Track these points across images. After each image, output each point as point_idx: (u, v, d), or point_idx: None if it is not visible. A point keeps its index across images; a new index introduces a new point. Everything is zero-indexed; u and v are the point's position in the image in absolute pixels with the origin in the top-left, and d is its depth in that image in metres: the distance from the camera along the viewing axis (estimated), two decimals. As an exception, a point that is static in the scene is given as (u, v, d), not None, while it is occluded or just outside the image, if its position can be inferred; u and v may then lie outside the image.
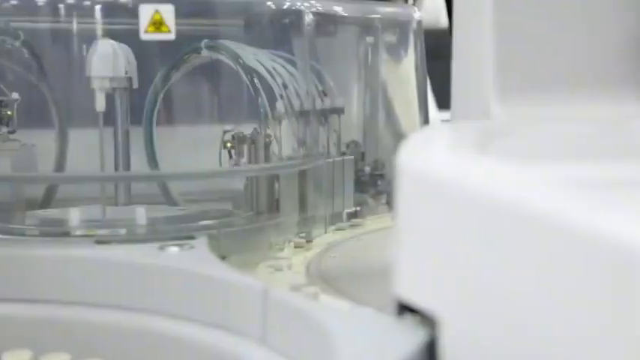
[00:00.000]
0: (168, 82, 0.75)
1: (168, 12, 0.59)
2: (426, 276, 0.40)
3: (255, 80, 0.70)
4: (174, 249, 0.58)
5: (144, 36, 0.61)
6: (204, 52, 0.71)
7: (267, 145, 0.71)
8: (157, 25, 0.60)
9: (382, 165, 0.86)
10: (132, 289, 0.55)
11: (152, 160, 0.76)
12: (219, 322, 0.51)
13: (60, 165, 0.79)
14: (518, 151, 0.46)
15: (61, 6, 0.70)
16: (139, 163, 0.74)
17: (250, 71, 0.70)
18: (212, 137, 0.79)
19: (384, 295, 0.59)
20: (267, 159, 0.71)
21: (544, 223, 0.35)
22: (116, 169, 0.71)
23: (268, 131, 0.71)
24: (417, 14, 0.84)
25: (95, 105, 0.70)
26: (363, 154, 0.85)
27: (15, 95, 0.72)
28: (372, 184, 0.85)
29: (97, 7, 0.66)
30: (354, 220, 0.78)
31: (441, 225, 0.39)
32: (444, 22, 1.25)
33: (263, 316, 0.49)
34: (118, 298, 0.55)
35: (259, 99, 0.70)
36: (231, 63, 0.70)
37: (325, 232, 0.74)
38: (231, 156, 0.71)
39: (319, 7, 0.72)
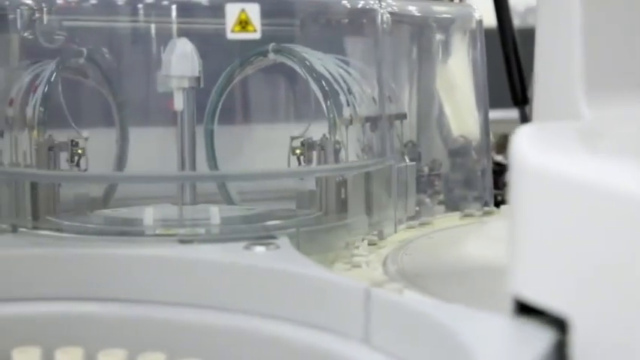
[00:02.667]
0: (232, 82, 0.75)
1: (253, 11, 0.59)
2: (555, 276, 0.40)
3: (324, 84, 0.70)
4: (260, 249, 0.58)
5: (230, 35, 0.61)
6: (271, 56, 0.71)
7: (336, 152, 0.71)
8: (243, 24, 0.60)
9: (439, 165, 0.86)
10: (224, 289, 0.55)
11: (211, 159, 0.76)
12: (317, 322, 0.51)
13: (120, 164, 0.79)
14: (628, 151, 0.46)
15: (125, 5, 0.70)
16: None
17: (318, 77, 0.70)
18: (273, 138, 0.79)
19: (466, 292, 0.59)
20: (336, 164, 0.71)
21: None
22: (182, 168, 0.71)
23: (337, 137, 0.71)
24: (477, 14, 0.84)
25: (159, 103, 0.70)
26: (419, 155, 0.85)
27: (85, 134, 0.71)
28: (430, 184, 0.85)
29: (173, 7, 0.66)
30: (424, 219, 0.78)
31: (573, 224, 0.39)
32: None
33: (366, 316, 0.49)
34: (209, 298, 0.55)
35: (328, 104, 0.70)
36: (298, 69, 0.70)
37: (395, 232, 0.74)
38: (300, 162, 0.71)
39: (394, 7, 0.72)
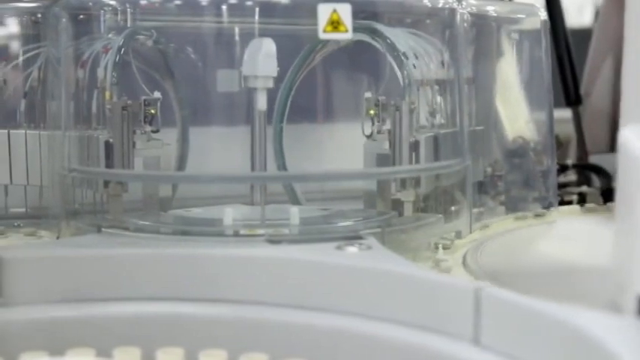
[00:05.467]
0: (299, 78, 0.75)
1: (345, 11, 0.59)
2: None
3: (397, 51, 0.69)
4: (352, 249, 0.58)
5: (322, 35, 0.60)
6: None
7: (411, 112, 0.70)
8: (335, 24, 0.59)
9: (501, 166, 0.86)
10: (323, 290, 0.54)
11: (280, 159, 0.76)
12: (422, 322, 0.51)
13: (181, 164, 0.79)
14: None
15: (196, 5, 0.70)
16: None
17: (388, 45, 0.69)
18: (342, 136, 0.79)
19: (552, 291, 0.59)
20: (410, 127, 0.70)
21: None
22: (257, 168, 0.71)
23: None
24: (542, 13, 0.84)
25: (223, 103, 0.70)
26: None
27: (157, 94, 0.71)
28: (493, 185, 0.85)
29: (256, 9, 0.66)
30: (497, 218, 0.79)
31: None
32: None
33: (476, 316, 0.49)
34: (308, 298, 0.55)
35: (401, 67, 0.70)
36: (366, 38, 0.70)
37: (471, 232, 0.74)
38: (373, 122, 0.71)
39: (473, 7, 0.72)
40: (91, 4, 0.67)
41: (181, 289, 0.56)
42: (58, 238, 0.70)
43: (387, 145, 0.70)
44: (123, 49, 0.70)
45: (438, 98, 0.74)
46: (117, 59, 0.69)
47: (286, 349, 0.53)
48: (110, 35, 0.68)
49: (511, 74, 0.90)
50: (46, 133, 0.75)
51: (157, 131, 0.71)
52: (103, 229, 0.66)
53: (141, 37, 0.73)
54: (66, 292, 0.56)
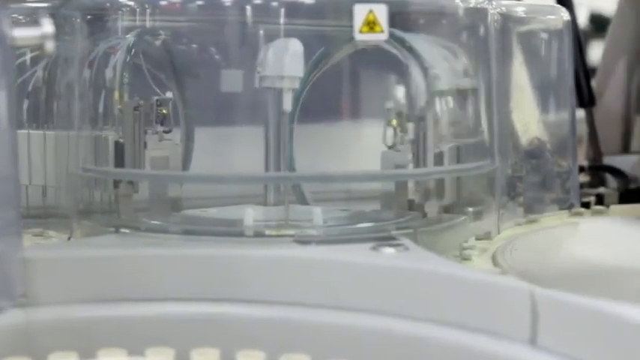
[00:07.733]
0: (311, 80, 0.72)
1: (381, 12, 0.56)
2: None
3: (420, 58, 0.67)
4: (389, 250, 0.56)
5: (358, 36, 0.58)
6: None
7: (435, 123, 0.67)
8: (371, 25, 0.57)
9: (521, 167, 0.84)
10: (363, 291, 0.52)
11: (289, 159, 0.73)
12: (474, 323, 0.49)
13: (185, 164, 0.76)
14: None
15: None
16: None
17: (408, 50, 0.67)
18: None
19: (591, 290, 0.57)
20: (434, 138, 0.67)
21: None
22: (267, 169, 0.69)
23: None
24: (565, 15, 0.82)
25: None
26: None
27: (169, 94, 0.69)
28: (512, 186, 0.83)
29: (282, 10, 0.63)
30: (531, 217, 0.77)
31: None
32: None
33: (532, 317, 0.47)
34: (349, 300, 0.52)
35: (425, 77, 0.67)
36: (385, 46, 0.67)
37: (499, 233, 0.71)
38: (396, 134, 0.68)
39: (502, 8, 0.70)
40: (108, 4, 0.65)
41: (211, 290, 0.54)
42: (69, 238, 0.67)
43: (409, 157, 0.68)
44: (134, 50, 0.67)
45: (463, 108, 0.71)
46: (127, 59, 0.67)
47: (327, 351, 0.51)
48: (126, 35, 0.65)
49: (525, 75, 0.88)
50: (51, 133, 0.72)
51: (169, 131, 0.69)
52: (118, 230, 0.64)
53: (153, 36, 0.70)
54: (91, 293, 0.54)
